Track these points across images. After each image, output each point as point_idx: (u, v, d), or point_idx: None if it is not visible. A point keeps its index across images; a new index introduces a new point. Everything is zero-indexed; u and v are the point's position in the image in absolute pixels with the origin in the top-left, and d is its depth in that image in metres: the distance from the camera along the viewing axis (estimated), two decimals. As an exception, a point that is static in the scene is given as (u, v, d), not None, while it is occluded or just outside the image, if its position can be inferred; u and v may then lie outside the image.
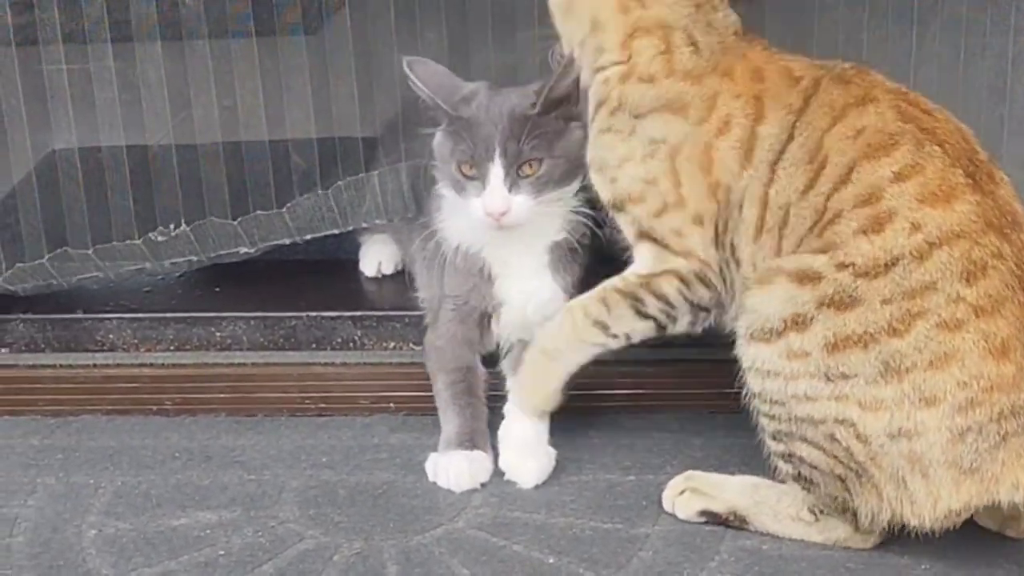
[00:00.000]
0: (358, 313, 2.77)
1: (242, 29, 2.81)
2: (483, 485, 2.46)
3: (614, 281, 2.41)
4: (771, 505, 2.32)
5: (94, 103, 2.85)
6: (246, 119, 2.87)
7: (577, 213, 2.53)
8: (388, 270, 2.90)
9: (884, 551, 2.27)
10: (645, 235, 2.37)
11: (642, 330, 2.41)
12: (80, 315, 2.81)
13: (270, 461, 2.57)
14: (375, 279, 2.91)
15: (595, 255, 2.59)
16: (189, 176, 2.87)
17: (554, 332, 2.45)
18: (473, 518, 2.40)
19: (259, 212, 2.74)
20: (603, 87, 2.38)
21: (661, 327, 2.40)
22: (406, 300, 2.75)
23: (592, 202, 2.49)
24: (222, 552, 2.33)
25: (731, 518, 2.34)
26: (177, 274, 2.90)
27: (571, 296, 2.52)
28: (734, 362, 2.27)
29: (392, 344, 2.77)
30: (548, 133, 2.44)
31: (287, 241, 2.76)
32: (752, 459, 2.40)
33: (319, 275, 2.93)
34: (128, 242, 2.75)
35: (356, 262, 2.93)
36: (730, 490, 2.36)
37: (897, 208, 2.14)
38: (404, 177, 2.73)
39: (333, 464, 2.56)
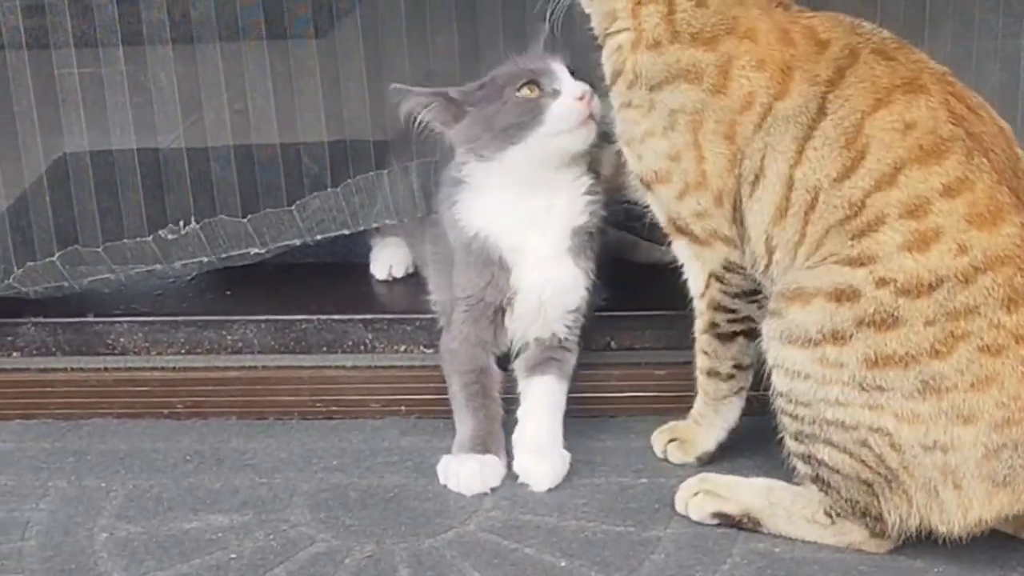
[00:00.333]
0: (369, 316, 2.77)
1: (253, 31, 2.82)
2: (493, 490, 2.45)
3: (696, 327, 2.43)
4: (785, 507, 2.31)
5: (105, 107, 2.85)
6: (256, 123, 2.87)
7: (594, 196, 2.56)
8: (399, 273, 2.90)
9: (897, 555, 2.27)
10: (673, 224, 2.36)
11: (738, 350, 2.41)
12: (91, 318, 2.81)
13: (281, 464, 2.57)
14: (386, 282, 2.90)
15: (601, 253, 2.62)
16: (200, 180, 2.87)
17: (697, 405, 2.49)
18: (484, 521, 2.39)
19: (269, 210, 2.73)
20: (617, 54, 2.35)
21: (744, 334, 2.39)
22: (417, 303, 2.75)
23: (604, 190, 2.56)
24: (233, 555, 2.33)
25: (744, 520, 2.33)
26: (188, 278, 2.90)
27: (589, 284, 2.55)
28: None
29: (403, 347, 2.77)
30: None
31: (297, 242, 2.75)
32: (765, 462, 2.40)
33: (330, 278, 2.93)
34: (139, 239, 2.75)
35: (367, 265, 2.93)
36: (744, 492, 2.35)
37: (945, 227, 2.11)
38: (414, 177, 2.73)
39: (344, 467, 2.55)
